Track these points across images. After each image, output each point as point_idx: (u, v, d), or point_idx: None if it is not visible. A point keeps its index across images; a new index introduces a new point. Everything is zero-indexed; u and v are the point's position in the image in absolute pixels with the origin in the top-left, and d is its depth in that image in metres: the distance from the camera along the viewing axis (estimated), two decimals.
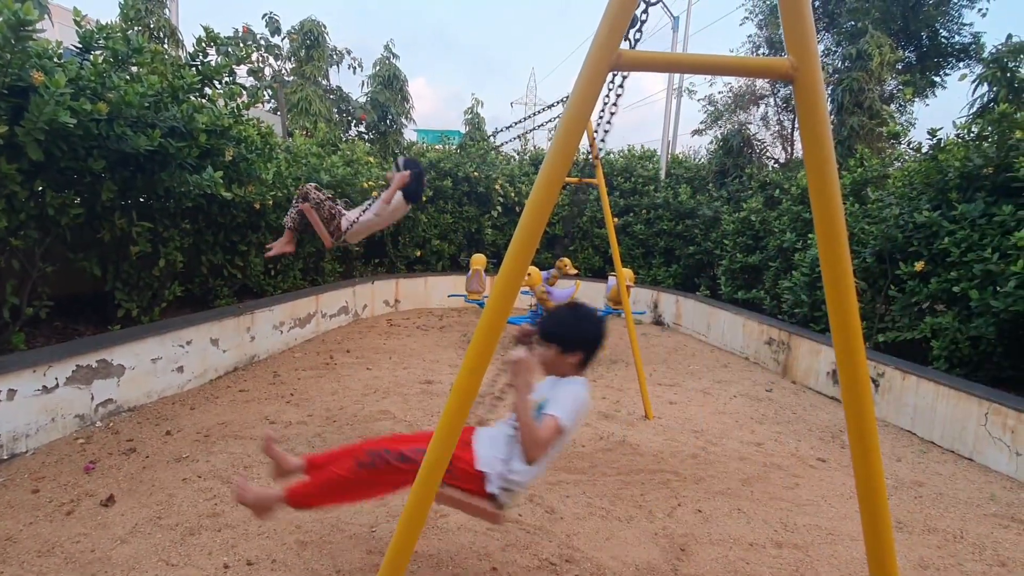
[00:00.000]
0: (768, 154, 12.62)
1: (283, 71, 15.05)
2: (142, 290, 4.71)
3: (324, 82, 14.84)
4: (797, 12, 1.44)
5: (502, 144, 10.91)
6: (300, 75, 14.09)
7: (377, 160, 9.78)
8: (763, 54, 12.60)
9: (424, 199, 9.61)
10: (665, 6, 12.84)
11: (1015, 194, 4.87)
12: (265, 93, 14.23)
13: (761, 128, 12.91)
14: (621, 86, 2.86)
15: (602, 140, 3.37)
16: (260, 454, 3.64)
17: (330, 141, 9.96)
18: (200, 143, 4.35)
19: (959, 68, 12.33)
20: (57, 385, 3.65)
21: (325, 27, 14.21)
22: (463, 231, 10.46)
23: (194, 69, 4.62)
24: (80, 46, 4.09)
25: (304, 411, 4.51)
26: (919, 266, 5.35)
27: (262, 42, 14.37)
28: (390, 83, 14.23)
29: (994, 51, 7.38)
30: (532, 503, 3.25)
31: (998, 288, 4.57)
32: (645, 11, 1.86)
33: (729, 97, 13.23)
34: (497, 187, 10.42)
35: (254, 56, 14.31)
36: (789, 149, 12.75)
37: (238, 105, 4.89)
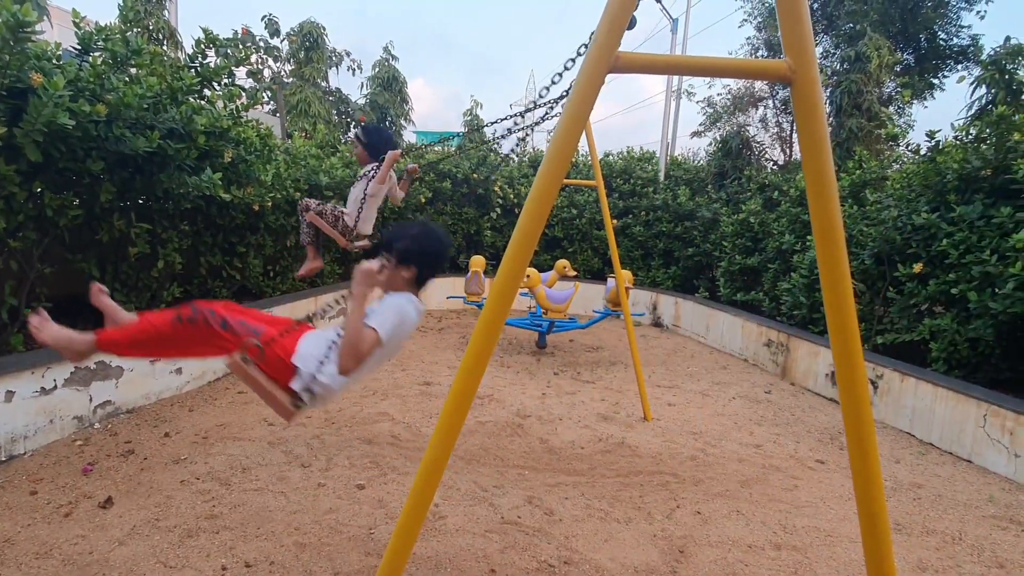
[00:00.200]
0: (767, 156, 12.63)
1: (282, 73, 15.07)
2: (141, 291, 4.70)
3: (323, 84, 14.86)
4: (795, 14, 1.44)
5: (495, 136, 10.92)
6: (299, 77, 14.10)
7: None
8: (762, 56, 12.61)
9: (424, 200, 9.62)
10: (664, 8, 12.87)
11: (1013, 196, 4.88)
12: (264, 95, 14.24)
13: (760, 130, 12.92)
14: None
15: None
16: (259, 456, 3.64)
17: (329, 143, 9.96)
18: (199, 145, 4.34)
19: (957, 70, 12.33)
20: (55, 387, 3.65)
21: (324, 29, 14.24)
22: (462, 232, 10.46)
23: (193, 71, 4.62)
24: (79, 47, 4.09)
25: (302, 413, 4.50)
26: (917, 268, 5.36)
27: (261, 44, 14.39)
28: (389, 85, 14.26)
29: (992, 53, 7.39)
30: (531, 505, 3.25)
31: (996, 290, 4.58)
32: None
33: (728, 99, 13.23)
34: (496, 188, 10.43)
35: (253, 58, 14.33)
36: (788, 151, 12.76)
37: (237, 107, 4.90)
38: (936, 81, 12.63)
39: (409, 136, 15.73)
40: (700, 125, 14.04)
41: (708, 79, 14.97)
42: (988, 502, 3.71)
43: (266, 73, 14.96)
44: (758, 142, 12.36)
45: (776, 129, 12.94)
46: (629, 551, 2.86)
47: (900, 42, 11.95)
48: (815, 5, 11.84)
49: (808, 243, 7.10)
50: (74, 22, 4.29)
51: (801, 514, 3.37)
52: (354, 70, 15.51)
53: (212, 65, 4.74)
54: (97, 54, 4.11)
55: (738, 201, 9.89)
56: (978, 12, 11.86)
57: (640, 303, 10.29)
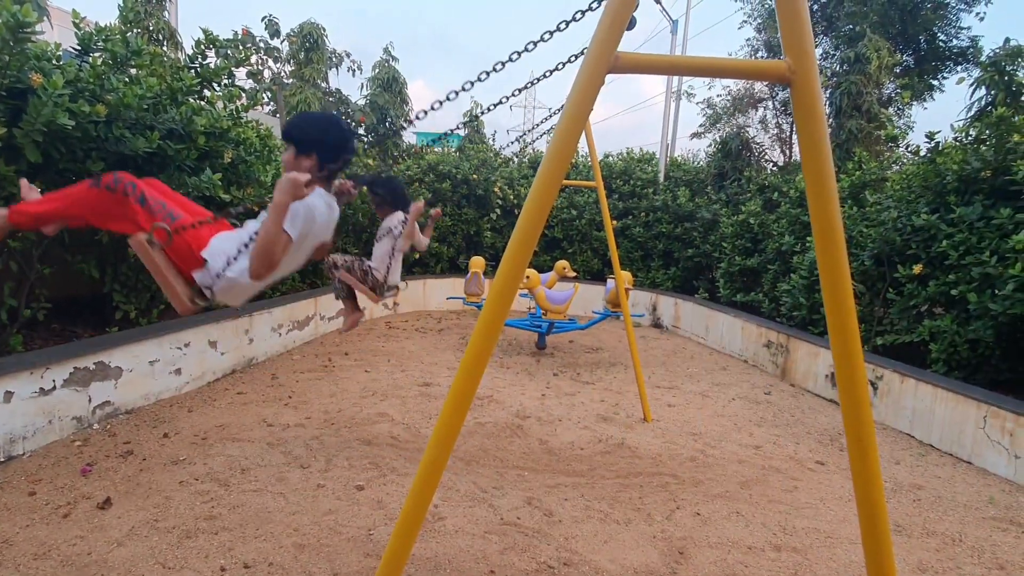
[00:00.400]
0: (767, 157, 12.63)
1: (282, 73, 15.08)
2: (140, 292, 4.70)
3: (323, 85, 14.86)
4: (794, 14, 1.44)
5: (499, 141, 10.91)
6: (299, 77, 14.11)
7: (376, 163, 9.78)
8: (761, 57, 12.62)
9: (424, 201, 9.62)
10: (664, 9, 12.87)
11: (1013, 197, 4.88)
12: (264, 96, 14.25)
13: (760, 131, 12.92)
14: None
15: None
16: (258, 457, 3.63)
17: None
18: (199, 145, 4.35)
19: (957, 72, 12.36)
20: (54, 387, 3.64)
21: (324, 30, 14.24)
22: (462, 233, 10.46)
23: (193, 71, 4.63)
24: (79, 48, 4.10)
25: (302, 414, 4.50)
26: (917, 269, 5.36)
27: (261, 44, 14.40)
28: (389, 86, 14.26)
29: (992, 55, 7.39)
30: (530, 506, 3.25)
31: (996, 291, 4.58)
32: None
33: (728, 100, 13.24)
34: (496, 190, 10.43)
35: (253, 58, 14.33)
36: (788, 152, 12.77)
37: (237, 107, 4.90)
38: (936, 82, 12.65)
39: (409, 137, 15.76)
40: (700, 126, 14.06)
41: (708, 80, 15.00)
42: (988, 504, 3.71)
43: (266, 74, 14.97)
44: (758, 143, 12.37)
45: (776, 130, 12.95)
46: (629, 552, 2.85)
47: (900, 43, 11.97)
48: (815, 6, 11.86)
49: (808, 244, 7.10)
50: (74, 23, 4.29)
51: (801, 515, 3.37)
52: (354, 71, 15.54)
53: (212, 66, 4.75)
54: (97, 54, 4.11)
55: (738, 202, 9.90)
56: (977, 14, 11.89)
57: (640, 304, 10.29)
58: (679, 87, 14.20)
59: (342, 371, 5.83)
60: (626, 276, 6.65)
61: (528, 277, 6.96)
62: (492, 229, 10.64)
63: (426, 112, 2.13)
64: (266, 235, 2.02)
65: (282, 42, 14.44)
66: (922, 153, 6.31)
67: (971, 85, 7.20)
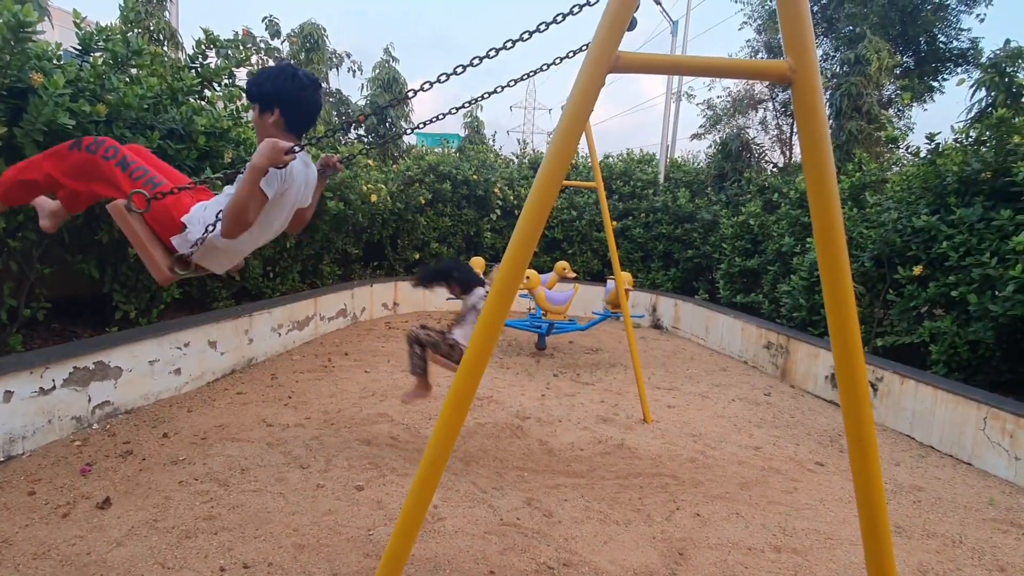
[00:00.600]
0: (767, 158, 12.64)
1: None
2: (140, 292, 4.69)
3: (324, 85, 14.86)
4: (795, 14, 1.44)
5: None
6: None
7: (376, 164, 9.78)
8: (762, 58, 12.63)
9: (424, 201, 9.63)
10: (664, 10, 12.88)
11: (1013, 198, 4.88)
12: None
13: (760, 132, 12.93)
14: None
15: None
16: (258, 457, 3.63)
17: (330, 144, 9.96)
18: (199, 145, 4.35)
19: (957, 73, 12.36)
20: (54, 387, 3.64)
21: (325, 30, 14.24)
22: (462, 234, 10.46)
23: (193, 71, 4.63)
24: (80, 48, 4.10)
25: (302, 414, 4.50)
26: (917, 270, 5.36)
27: (262, 45, 14.38)
28: (390, 86, 14.25)
29: (992, 56, 7.39)
30: (530, 506, 3.24)
31: (996, 292, 4.58)
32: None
33: (728, 101, 13.24)
34: (496, 190, 10.43)
35: (254, 59, 14.31)
36: (788, 153, 12.77)
37: (237, 107, 4.90)
38: (936, 84, 12.66)
39: (409, 137, 15.74)
40: (700, 127, 14.05)
41: (708, 81, 15.02)
42: (989, 505, 3.71)
43: None
44: (758, 144, 12.38)
45: (776, 131, 12.95)
46: (628, 553, 2.85)
47: (900, 45, 11.97)
48: (815, 7, 11.86)
49: (808, 245, 7.10)
50: (75, 22, 4.30)
51: (801, 516, 3.37)
52: (354, 71, 15.52)
53: (213, 66, 4.76)
54: (98, 54, 4.11)
55: (738, 203, 9.90)
56: (978, 15, 11.90)
57: (640, 305, 10.29)
58: (679, 88, 14.21)
59: (342, 371, 5.82)
60: (626, 277, 6.66)
61: (528, 278, 6.96)
62: (492, 230, 10.64)
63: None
64: (239, 193, 2.02)
65: (282, 42, 14.42)
66: (922, 154, 6.31)
67: (971, 87, 7.19)
